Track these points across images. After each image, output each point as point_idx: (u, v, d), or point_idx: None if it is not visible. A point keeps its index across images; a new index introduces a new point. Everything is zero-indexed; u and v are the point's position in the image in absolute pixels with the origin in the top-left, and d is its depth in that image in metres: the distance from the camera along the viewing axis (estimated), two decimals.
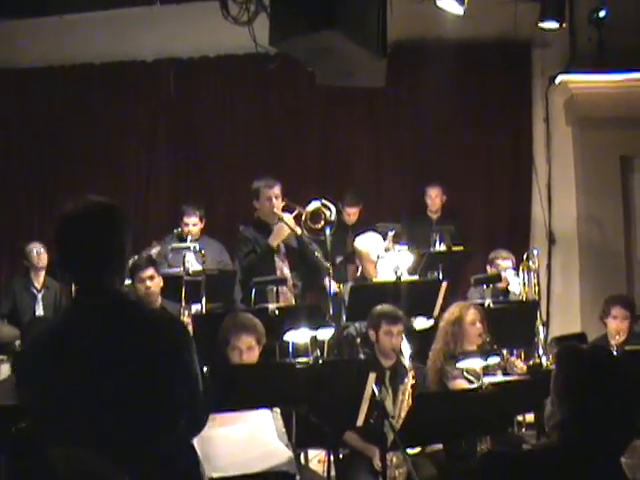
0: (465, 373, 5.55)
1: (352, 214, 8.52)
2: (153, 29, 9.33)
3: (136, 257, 7.84)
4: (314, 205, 6.46)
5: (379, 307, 5.61)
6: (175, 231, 7.94)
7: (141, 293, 6.38)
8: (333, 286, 6.61)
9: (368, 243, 6.76)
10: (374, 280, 6.52)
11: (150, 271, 6.45)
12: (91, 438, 2.62)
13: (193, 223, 7.84)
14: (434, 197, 8.80)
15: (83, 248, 2.76)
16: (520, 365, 6.10)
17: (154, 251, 7.73)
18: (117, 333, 2.72)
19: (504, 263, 7.52)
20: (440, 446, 5.48)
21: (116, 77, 9.68)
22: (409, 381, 5.27)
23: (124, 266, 2.88)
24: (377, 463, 5.04)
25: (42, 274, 8.04)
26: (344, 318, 6.32)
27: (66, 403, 2.66)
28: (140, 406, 2.69)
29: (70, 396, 2.66)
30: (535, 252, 7.51)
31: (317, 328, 4.96)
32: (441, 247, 7.75)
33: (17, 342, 6.44)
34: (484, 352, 5.48)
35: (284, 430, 4.42)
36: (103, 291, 2.77)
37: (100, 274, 2.77)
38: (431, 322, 6.52)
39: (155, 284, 6.46)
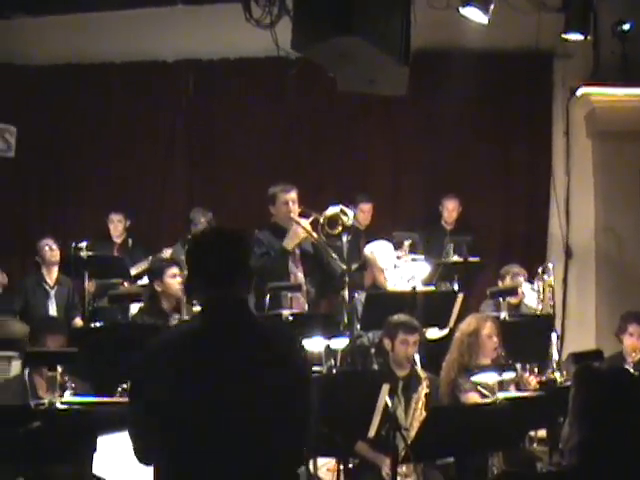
0: (479, 387, 5.49)
1: (366, 211, 8.49)
2: (174, 29, 9.31)
3: (150, 258, 7.89)
4: (332, 210, 6.41)
5: (396, 316, 5.58)
6: (181, 241, 7.94)
7: (168, 291, 6.32)
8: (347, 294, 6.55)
9: (376, 251, 6.73)
10: (390, 290, 6.47)
11: (175, 269, 6.41)
12: (218, 446, 2.68)
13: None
14: (451, 210, 8.77)
15: (236, 261, 2.90)
16: (533, 381, 6.03)
17: (165, 255, 7.74)
18: (256, 345, 2.82)
19: (515, 280, 7.43)
20: (451, 459, 5.42)
21: (136, 77, 9.66)
22: (423, 390, 5.23)
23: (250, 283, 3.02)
24: (386, 472, 5.01)
25: (54, 270, 8.02)
26: (358, 327, 6.27)
27: (199, 407, 2.68)
28: (272, 419, 2.76)
29: (205, 401, 2.69)
30: (550, 265, 7.45)
31: (331, 337, 4.92)
32: (454, 258, 7.68)
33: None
34: (499, 366, 5.42)
35: None
36: (241, 304, 2.89)
37: (238, 289, 2.89)
38: (445, 331, 6.45)
39: (179, 282, 6.41)
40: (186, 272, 6.12)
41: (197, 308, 6.32)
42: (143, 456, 2.80)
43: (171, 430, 2.68)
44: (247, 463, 2.70)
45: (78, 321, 7.73)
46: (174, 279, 6.29)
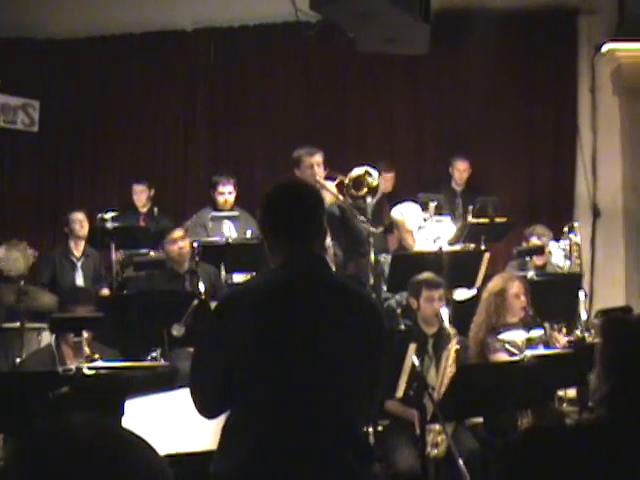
0: (507, 345, 5.46)
1: (387, 179, 8.45)
2: None
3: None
4: (357, 171, 6.36)
5: (417, 275, 5.58)
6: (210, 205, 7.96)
7: (173, 255, 6.40)
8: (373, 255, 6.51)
9: (404, 212, 6.69)
10: (415, 250, 6.44)
11: (180, 232, 6.47)
12: (291, 400, 2.66)
13: (229, 191, 7.85)
14: (462, 170, 8.69)
15: (311, 217, 2.85)
16: (562, 339, 5.99)
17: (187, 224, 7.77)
18: (336, 300, 2.78)
19: (539, 240, 7.36)
20: (480, 419, 5.41)
21: (156, 46, 9.65)
22: (452, 346, 5.22)
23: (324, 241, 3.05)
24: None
25: (82, 243, 8.06)
26: (384, 289, 6.25)
27: (277, 356, 2.66)
28: (348, 379, 2.73)
29: (279, 353, 2.67)
30: (577, 224, 7.38)
31: None
32: (470, 219, 7.62)
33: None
34: (527, 324, 5.38)
35: None
36: (320, 259, 2.86)
37: (315, 245, 2.85)
38: (473, 292, 6.42)
39: (185, 246, 6.48)
40: (189, 237, 6.28)
41: (207, 266, 6.47)
42: (208, 407, 2.75)
43: (248, 378, 2.65)
44: (321, 414, 2.68)
45: (105, 291, 7.78)
46: (173, 245, 6.36)
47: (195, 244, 6.47)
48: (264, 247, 2.88)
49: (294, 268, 2.77)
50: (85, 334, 4.05)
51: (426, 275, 5.57)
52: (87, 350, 4.29)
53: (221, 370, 2.68)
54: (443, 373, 5.19)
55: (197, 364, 2.78)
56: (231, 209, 7.79)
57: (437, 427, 4.97)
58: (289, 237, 2.80)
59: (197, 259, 6.28)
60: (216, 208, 7.86)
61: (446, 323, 5.27)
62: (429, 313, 5.43)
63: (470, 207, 7.77)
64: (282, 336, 2.67)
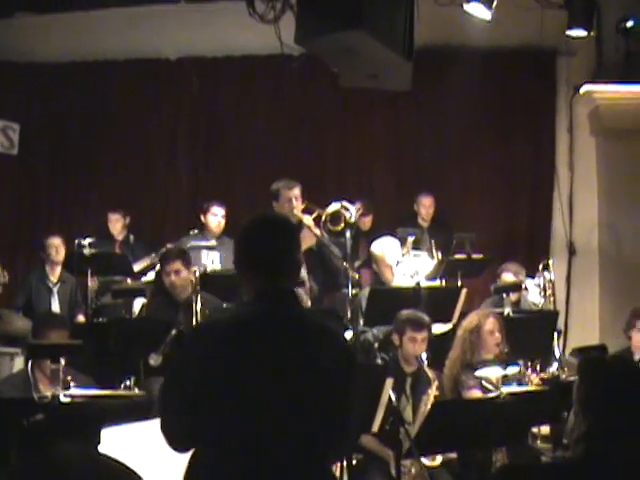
0: (483, 382, 5.48)
1: (365, 222, 8.50)
2: (177, 27, 9.29)
3: (152, 255, 7.87)
4: (334, 207, 6.39)
5: (405, 312, 5.56)
6: (192, 232, 7.91)
7: (167, 285, 6.28)
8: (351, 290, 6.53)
9: (384, 247, 6.71)
10: (393, 285, 6.46)
11: (177, 264, 6.31)
12: (259, 435, 2.63)
13: (222, 215, 7.81)
14: (427, 206, 8.75)
15: (284, 252, 2.85)
16: (535, 380, 6.01)
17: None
18: (303, 336, 2.79)
19: (513, 277, 7.40)
20: (455, 455, 5.41)
21: (139, 74, 9.67)
22: (432, 392, 5.20)
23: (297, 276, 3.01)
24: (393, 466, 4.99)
25: (58, 268, 8.02)
26: (361, 323, 6.25)
27: (240, 393, 2.64)
28: (316, 413, 2.72)
29: (246, 388, 2.65)
30: (552, 262, 7.44)
31: None
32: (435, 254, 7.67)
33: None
34: (502, 361, 5.41)
35: None
36: (290, 295, 2.85)
37: (287, 280, 2.84)
38: (448, 326, 6.44)
39: (181, 278, 6.29)
40: (189, 267, 6.12)
41: (207, 296, 6.38)
42: (178, 441, 2.73)
43: (214, 413, 2.63)
44: (288, 451, 2.66)
45: (81, 318, 7.73)
46: (171, 276, 6.22)
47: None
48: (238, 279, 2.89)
49: (264, 303, 2.78)
50: (62, 361, 4.02)
51: (413, 315, 5.53)
52: (67, 378, 4.26)
53: (187, 403, 2.66)
54: (420, 416, 5.17)
55: (164, 396, 2.78)
56: (218, 238, 7.75)
57: (413, 469, 4.96)
58: (260, 272, 2.81)
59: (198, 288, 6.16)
60: (202, 235, 7.81)
61: (426, 367, 5.26)
62: (410, 353, 5.41)
63: (433, 242, 7.83)
64: (248, 371, 2.65)
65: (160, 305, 6.29)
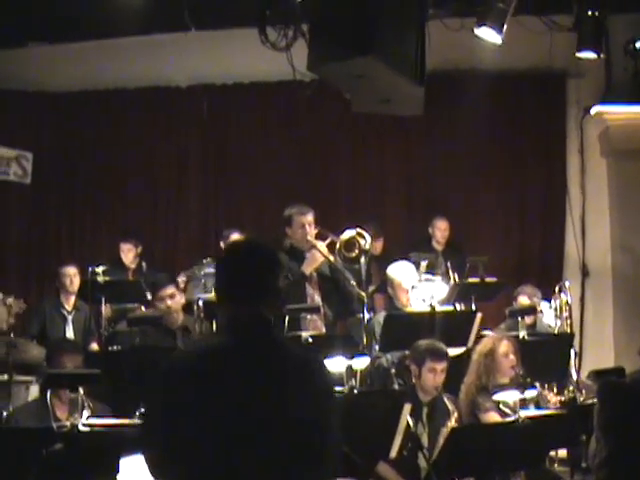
0: (501, 406, 5.44)
1: (376, 247, 8.50)
2: (187, 55, 9.37)
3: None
4: (349, 233, 6.39)
5: (424, 342, 5.47)
6: (205, 260, 7.93)
7: (163, 312, 6.34)
8: (366, 315, 6.53)
9: (401, 272, 6.70)
10: (408, 310, 6.44)
11: (171, 289, 6.40)
12: (233, 466, 2.58)
13: None
14: (443, 229, 8.76)
15: (256, 278, 2.78)
16: (553, 400, 5.98)
17: (180, 280, 7.75)
18: (278, 367, 2.71)
19: (529, 300, 7.39)
20: None
21: (150, 102, 9.74)
22: (451, 424, 5.14)
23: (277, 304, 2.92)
24: None
25: (73, 297, 8.02)
26: (376, 348, 6.23)
27: (218, 426, 2.59)
28: (298, 444, 2.66)
29: (225, 421, 2.59)
30: (567, 284, 7.43)
31: (352, 357, 4.90)
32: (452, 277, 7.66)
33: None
34: (521, 385, 5.37)
35: None
36: (265, 323, 2.77)
37: (265, 308, 2.77)
38: (462, 349, 6.41)
39: (176, 302, 6.39)
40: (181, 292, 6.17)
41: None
42: (156, 471, 2.68)
43: (190, 448, 2.59)
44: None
45: (94, 346, 7.73)
46: (167, 301, 6.29)
47: (200, 302, 6.42)
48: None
49: (233, 332, 2.73)
50: (81, 390, 4.03)
51: (432, 345, 5.45)
52: (90, 406, 4.28)
53: (161, 435, 2.62)
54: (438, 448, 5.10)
55: (142, 428, 2.78)
56: None
57: None
58: (231, 298, 2.77)
59: (202, 315, 6.20)
60: None
61: (446, 398, 5.22)
62: (430, 384, 5.33)
63: (449, 264, 7.82)
64: (219, 402, 2.60)
65: (156, 334, 6.32)
